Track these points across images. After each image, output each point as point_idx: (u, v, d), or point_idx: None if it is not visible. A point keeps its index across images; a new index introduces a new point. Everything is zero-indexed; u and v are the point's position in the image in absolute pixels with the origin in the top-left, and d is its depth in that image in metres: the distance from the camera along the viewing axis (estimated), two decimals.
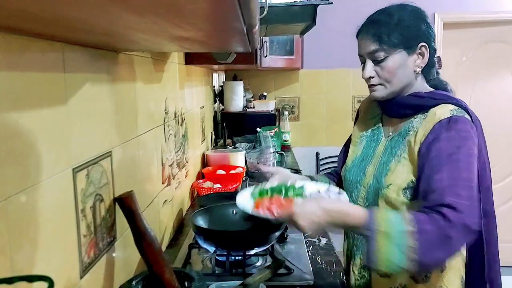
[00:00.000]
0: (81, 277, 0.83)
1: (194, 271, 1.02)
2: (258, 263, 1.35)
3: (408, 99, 1.13)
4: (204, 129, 2.56)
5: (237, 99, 3.17)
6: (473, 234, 0.92)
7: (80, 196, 0.82)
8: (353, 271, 1.22)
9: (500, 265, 1.12)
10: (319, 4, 1.41)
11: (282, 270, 1.26)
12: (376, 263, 0.91)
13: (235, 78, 3.43)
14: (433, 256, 0.90)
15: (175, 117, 1.68)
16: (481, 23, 3.68)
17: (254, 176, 2.32)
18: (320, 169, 3.79)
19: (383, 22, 1.08)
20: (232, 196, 1.78)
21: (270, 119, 3.22)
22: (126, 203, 0.95)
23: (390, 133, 1.18)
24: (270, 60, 3.16)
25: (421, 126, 1.08)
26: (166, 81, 1.54)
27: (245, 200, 1.13)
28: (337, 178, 1.38)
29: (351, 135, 1.35)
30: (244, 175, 2.24)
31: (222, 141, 3.12)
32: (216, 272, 1.27)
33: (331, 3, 1.39)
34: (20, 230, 0.63)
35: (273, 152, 2.48)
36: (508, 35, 3.70)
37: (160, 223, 1.43)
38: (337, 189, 1.21)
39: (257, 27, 0.72)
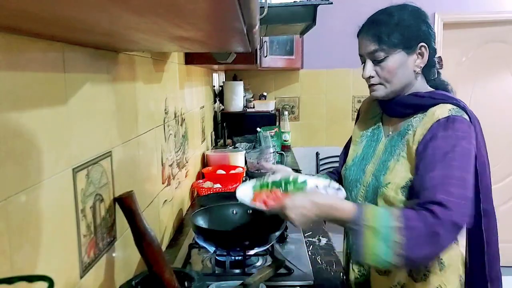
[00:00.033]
0: (81, 277, 0.83)
1: (194, 271, 1.02)
2: (258, 263, 1.34)
3: (408, 98, 1.14)
4: (204, 129, 2.56)
5: (237, 99, 3.17)
6: (461, 231, 0.93)
7: (80, 196, 0.82)
8: (352, 269, 1.23)
9: (500, 265, 1.12)
10: (319, 4, 1.41)
11: (282, 270, 1.26)
12: (364, 257, 0.93)
13: (235, 78, 3.43)
14: (420, 252, 0.91)
15: (175, 117, 1.68)
16: (481, 23, 3.68)
17: (254, 176, 2.32)
18: (320, 169, 3.79)
19: (383, 22, 1.09)
20: (232, 196, 1.78)
21: (270, 119, 3.22)
22: (126, 203, 0.95)
23: (390, 133, 1.19)
24: (270, 60, 3.16)
25: (419, 125, 1.08)
26: (166, 81, 1.54)
27: (245, 192, 1.16)
28: (338, 177, 1.39)
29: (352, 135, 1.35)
30: (244, 175, 2.24)
31: (222, 141, 3.12)
32: (216, 272, 1.27)
33: (331, 3, 1.39)
34: (20, 230, 0.63)
35: (273, 152, 2.48)
36: (508, 35, 3.70)
37: (160, 223, 1.44)
38: (337, 185, 1.22)
39: (257, 27, 0.72)
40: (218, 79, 3.38)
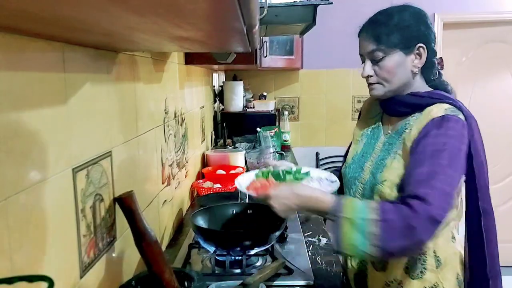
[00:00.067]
0: (81, 277, 0.83)
1: (194, 271, 1.02)
2: (258, 263, 1.34)
3: (406, 98, 1.15)
4: (204, 129, 2.56)
5: (237, 99, 3.17)
6: (439, 225, 0.94)
7: (80, 196, 0.82)
8: (352, 266, 1.25)
9: (500, 265, 1.13)
10: (319, 4, 1.41)
11: (282, 270, 1.26)
12: (342, 247, 0.97)
13: (235, 78, 3.43)
14: (395, 244, 0.94)
15: (175, 117, 1.68)
16: (481, 23, 3.68)
17: None
18: (320, 169, 3.78)
19: (382, 23, 1.11)
20: (232, 196, 1.79)
21: (270, 119, 3.22)
22: (126, 203, 0.95)
23: (389, 131, 1.20)
24: (270, 60, 3.16)
25: (416, 123, 1.10)
26: (166, 81, 1.54)
27: (244, 179, 1.20)
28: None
29: None
30: None
31: (222, 141, 3.12)
32: (216, 272, 1.27)
33: (331, 3, 1.39)
34: (20, 230, 0.63)
35: (273, 152, 2.48)
36: (508, 35, 3.70)
37: (160, 223, 1.44)
38: (334, 178, 1.24)
39: (257, 27, 0.72)
40: (218, 79, 3.38)
